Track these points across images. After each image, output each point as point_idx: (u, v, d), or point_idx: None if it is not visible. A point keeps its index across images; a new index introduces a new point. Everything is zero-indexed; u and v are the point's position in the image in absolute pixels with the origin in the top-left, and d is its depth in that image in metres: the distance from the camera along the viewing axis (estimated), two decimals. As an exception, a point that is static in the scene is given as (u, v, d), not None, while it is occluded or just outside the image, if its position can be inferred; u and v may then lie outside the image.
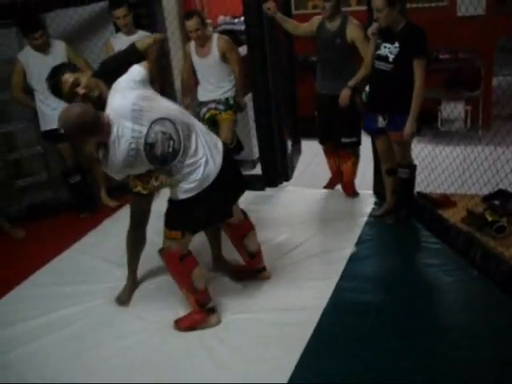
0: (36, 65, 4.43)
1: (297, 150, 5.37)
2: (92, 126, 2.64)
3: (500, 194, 3.84)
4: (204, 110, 4.68)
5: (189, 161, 2.85)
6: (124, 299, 3.55)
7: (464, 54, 5.57)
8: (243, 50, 5.09)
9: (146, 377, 2.88)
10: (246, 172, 5.48)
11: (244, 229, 3.43)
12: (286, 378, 2.74)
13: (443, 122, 5.71)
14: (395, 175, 4.01)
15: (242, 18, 4.97)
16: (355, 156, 4.51)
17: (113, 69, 2.94)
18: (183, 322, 3.21)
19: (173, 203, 3.01)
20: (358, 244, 3.91)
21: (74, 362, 3.04)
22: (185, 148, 2.83)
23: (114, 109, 2.71)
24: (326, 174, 4.74)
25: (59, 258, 4.17)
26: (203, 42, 4.45)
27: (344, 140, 4.38)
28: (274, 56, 4.69)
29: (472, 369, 2.72)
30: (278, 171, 5.03)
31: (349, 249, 3.85)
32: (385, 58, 3.66)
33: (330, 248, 3.90)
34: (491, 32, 5.30)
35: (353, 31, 4.05)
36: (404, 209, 4.10)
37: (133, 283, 3.63)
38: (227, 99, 4.63)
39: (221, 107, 4.62)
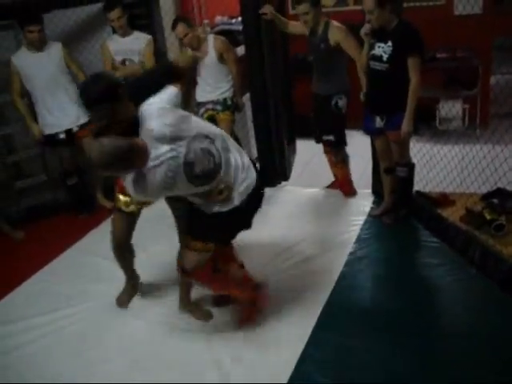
0: (31, 66, 4.43)
1: (292, 149, 5.37)
2: (127, 160, 2.44)
3: (499, 192, 3.85)
4: (202, 110, 4.69)
5: (231, 173, 2.76)
6: (123, 301, 3.52)
7: (461, 53, 5.58)
8: (241, 49, 5.10)
9: (146, 376, 2.88)
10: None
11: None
12: None
13: (441, 121, 5.71)
14: (393, 174, 4.02)
15: (240, 18, 4.98)
16: (341, 158, 4.51)
17: (144, 88, 2.76)
18: (246, 318, 3.20)
19: (205, 215, 2.83)
20: (356, 243, 3.92)
21: (74, 361, 3.05)
22: (226, 160, 2.73)
23: (151, 133, 2.51)
24: (325, 174, 4.74)
25: (59, 259, 4.18)
26: (197, 44, 4.45)
27: (324, 137, 4.41)
28: (272, 56, 4.68)
29: (471, 368, 2.72)
30: (276, 171, 5.03)
31: (347, 248, 3.85)
32: (379, 58, 3.67)
33: (328, 248, 3.91)
34: (488, 31, 5.32)
35: (335, 34, 4.05)
36: (403, 208, 4.11)
37: (132, 286, 3.56)
38: (225, 99, 4.64)
39: (219, 107, 4.63)
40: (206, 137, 2.66)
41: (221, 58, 4.54)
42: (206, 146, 2.64)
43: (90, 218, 4.80)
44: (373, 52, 3.72)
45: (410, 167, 3.97)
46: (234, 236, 3.03)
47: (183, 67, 2.98)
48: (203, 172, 2.62)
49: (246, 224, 2.98)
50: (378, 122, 3.86)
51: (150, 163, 2.47)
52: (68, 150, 4.69)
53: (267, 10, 4.23)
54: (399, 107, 3.67)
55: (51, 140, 4.62)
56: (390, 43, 3.60)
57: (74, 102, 4.54)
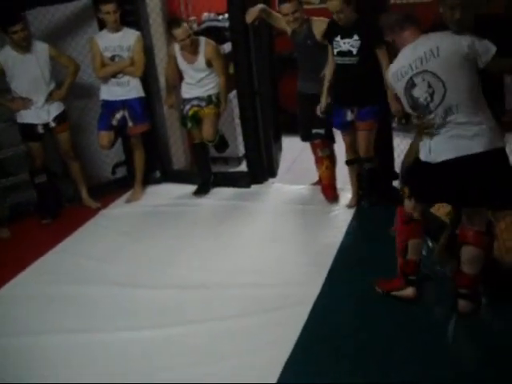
0: (17, 67, 4.39)
1: (278, 146, 5.37)
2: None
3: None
4: (188, 107, 4.68)
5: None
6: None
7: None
8: (228, 46, 5.09)
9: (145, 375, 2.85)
10: (232, 169, 5.50)
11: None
12: None
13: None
14: (356, 165, 4.26)
15: (226, 15, 4.97)
16: (329, 160, 4.49)
17: None
18: (383, 284, 3.24)
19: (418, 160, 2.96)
20: (344, 237, 3.95)
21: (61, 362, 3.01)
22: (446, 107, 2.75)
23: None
24: (312, 171, 4.73)
25: (44, 258, 4.12)
26: (193, 48, 4.45)
27: (314, 130, 4.40)
28: (259, 52, 4.68)
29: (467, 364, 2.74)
30: (263, 168, 5.03)
31: (334, 243, 3.86)
32: (348, 53, 3.81)
33: (315, 241, 3.94)
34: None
35: (319, 27, 4.03)
36: (374, 194, 4.29)
37: None
38: (210, 96, 4.63)
39: (203, 104, 4.63)
40: (442, 82, 2.75)
41: (209, 63, 4.53)
42: (434, 86, 2.79)
43: (53, 223, 4.70)
44: (339, 49, 3.84)
45: (375, 160, 4.14)
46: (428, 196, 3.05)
47: None
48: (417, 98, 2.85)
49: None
50: (349, 115, 3.97)
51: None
52: (40, 145, 4.64)
53: (250, 17, 4.22)
54: (370, 98, 3.87)
55: (29, 132, 4.58)
56: (356, 37, 3.76)
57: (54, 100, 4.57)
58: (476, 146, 2.70)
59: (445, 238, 3.42)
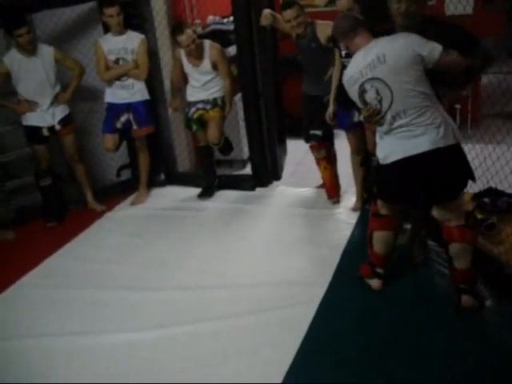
0: (22, 70, 4.40)
1: (283, 149, 5.37)
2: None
3: (490, 191, 3.84)
4: (193, 110, 4.69)
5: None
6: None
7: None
8: (232, 49, 5.10)
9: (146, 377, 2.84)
10: (236, 172, 5.50)
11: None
12: None
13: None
14: (360, 168, 4.21)
15: (231, 18, 4.97)
16: (326, 161, 4.48)
17: None
18: (362, 268, 3.35)
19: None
20: (348, 240, 3.93)
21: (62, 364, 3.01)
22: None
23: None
24: (316, 174, 4.71)
25: (49, 261, 4.13)
26: (198, 52, 4.46)
27: (311, 132, 4.40)
28: (263, 55, 4.68)
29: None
30: (267, 171, 5.02)
31: (339, 246, 3.86)
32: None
33: (320, 244, 3.94)
34: (479, 31, 5.31)
35: (324, 31, 3.99)
36: None
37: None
38: (215, 99, 4.63)
39: (208, 107, 4.63)
40: (390, 89, 2.84)
41: (214, 67, 4.54)
42: (382, 94, 2.90)
43: (59, 226, 4.72)
44: (347, 51, 3.76)
45: None
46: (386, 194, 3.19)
47: None
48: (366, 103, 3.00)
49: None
50: (357, 116, 3.92)
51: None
52: (45, 148, 4.66)
53: (265, 21, 4.21)
54: None
55: (34, 134, 4.59)
56: None
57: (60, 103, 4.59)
58: (423, 145, 2.79)
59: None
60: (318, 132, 4.34)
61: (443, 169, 2.85)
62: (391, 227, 3.18)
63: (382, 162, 2.99)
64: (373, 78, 2.82)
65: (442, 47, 2.73)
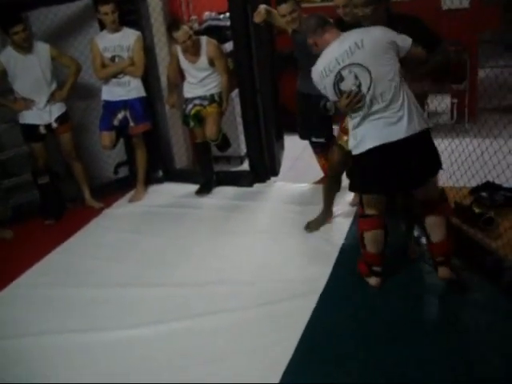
0: (17, 66, 4.39)
1: (280, 145, 5.37)
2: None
3: (488, 186, 3.84)
4: (190, 106, 4.68)
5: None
6: (313, 226, 4.04)
7: (450, 47, 5.56)
8: (229, 45, 5.09)
9: (146, 375, 2.84)
10: (234, 168, 5.50)
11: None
12: None
13: (430, 115, 5.71)
14: None
15: (228, 14, 4.96)
16: (326, 158, 4.44)
17: None
18: (360, 266, 3.36)
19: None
20: (347, 235, 3.94)
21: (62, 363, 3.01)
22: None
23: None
24: (314, 169, 4.73)
25: (47, 258, 4.13)
26: (194, 48, 4.45)
27: (313, 139, 4.43)
28: (260, 51, 4.68)
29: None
30: (265, 166, 5.02)
31: (337, 242, 3.86)
32: None
33: (318, 239, 3.95)
34: (475, 25, 5.32)
35: None
36: None
37: (325, 216, 4.08)
38: (212, 95, 4.62)
39: (205, 103, 4.63)
40: (369, 74, 2.90)
41: (211, 63, 4.52)
42: (362, 78, 2.94)
43: (57, 224, 4.72)
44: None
45: None
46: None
47: None
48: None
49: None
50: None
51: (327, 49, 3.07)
52: (42, 146, 4.65)
53: (258, 18, 4.19)
54: None
55: (31, 132, 4.58)
56: None
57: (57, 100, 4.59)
58: (401, 132, 2.87)
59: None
60: (321, 139, 4.37)
61: (421, 151, 2.96)
62: (379, 226, 3.21)
63: (354, 149, 3.03)
64: (351, 64, 2.88)
65: (411, 40, 2.91)
